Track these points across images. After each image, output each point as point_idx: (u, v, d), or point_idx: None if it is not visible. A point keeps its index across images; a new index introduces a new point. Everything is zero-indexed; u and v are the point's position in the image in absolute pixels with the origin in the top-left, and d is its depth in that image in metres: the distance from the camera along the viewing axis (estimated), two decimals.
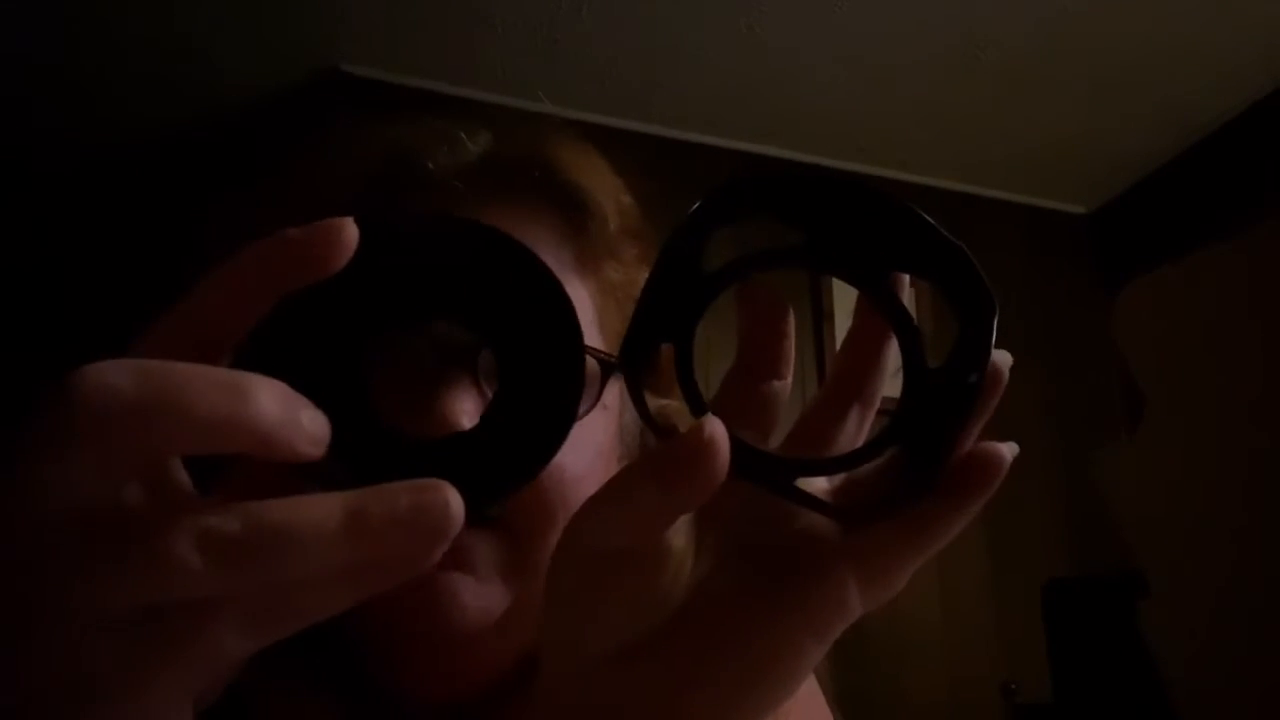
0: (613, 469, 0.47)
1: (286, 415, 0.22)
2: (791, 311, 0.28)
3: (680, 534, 0.26)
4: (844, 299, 2.17)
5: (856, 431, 0.28)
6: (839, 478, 0.28)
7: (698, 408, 0.26)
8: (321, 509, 0.21)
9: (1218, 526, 0.89)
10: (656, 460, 0.24)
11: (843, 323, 2.15)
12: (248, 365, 0.23)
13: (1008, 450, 0.26)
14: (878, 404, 0.29)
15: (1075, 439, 2.22)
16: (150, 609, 0.21)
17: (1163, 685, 0.89)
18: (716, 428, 0.23)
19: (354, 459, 0.24)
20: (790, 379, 0.29)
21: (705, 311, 0.27)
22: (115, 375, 0.20)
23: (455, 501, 0.22)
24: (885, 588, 0.26)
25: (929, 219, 0.27)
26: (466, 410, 0.39)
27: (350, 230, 0.23)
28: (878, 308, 0.28)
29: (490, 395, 0.27)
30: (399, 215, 0.26)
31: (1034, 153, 2.30)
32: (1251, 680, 0.85)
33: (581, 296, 0.48)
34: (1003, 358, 0.27)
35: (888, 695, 1.85)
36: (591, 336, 0.47)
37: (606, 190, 0.51)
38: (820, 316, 2.13)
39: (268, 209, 0.49)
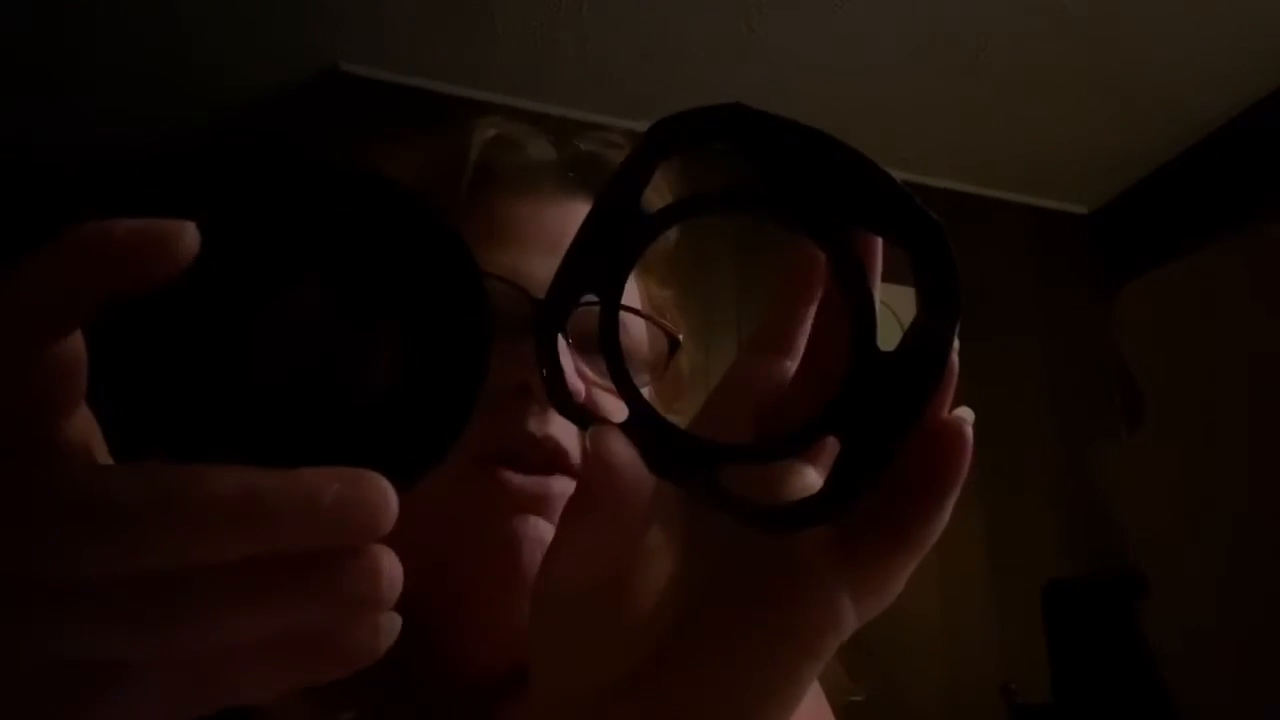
0: None
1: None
2: (817, 291, 0.27)
3: (657, 562, 0.25)
4: None
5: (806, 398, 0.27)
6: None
7: (618, 373, 0.24)
8: (232, 479, 0.19)
9: (1218, 526, 0.89)
10: (576, 492, 0.23)
11: None
12: (111, 342, 0.21)
13: (965, 419, 0.24)
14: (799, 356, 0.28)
15: (1075, 439, 2.22)
16: (68, 665, 0.19)
17: (1163, 685, 0.89)
18: (602, 437, 0.22)
19: (248, 438, 0.21)
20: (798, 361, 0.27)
21: (638, 259, 0.24)
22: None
23: (390, 496, 0.20)
24: (880, 597, 0.25)
25: (903, 187, 0.24)
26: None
27: (188, 237, 0.20)
28: (837, 268, 0.24)
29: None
30: (283, 171, 0.23)
31: (1034, 153, 2.30)
32: (1252, 680, 0.84)
33: (635, 299, 0.50)
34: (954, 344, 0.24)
35: (888, 695, 1.85)
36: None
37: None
38: None
39: None
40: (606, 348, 0.24)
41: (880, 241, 0.25)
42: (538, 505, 0.42)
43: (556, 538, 0.24)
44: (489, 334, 0.23)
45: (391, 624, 0.21)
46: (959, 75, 2.04)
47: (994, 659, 2.01)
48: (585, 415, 0.24)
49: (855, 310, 0.24)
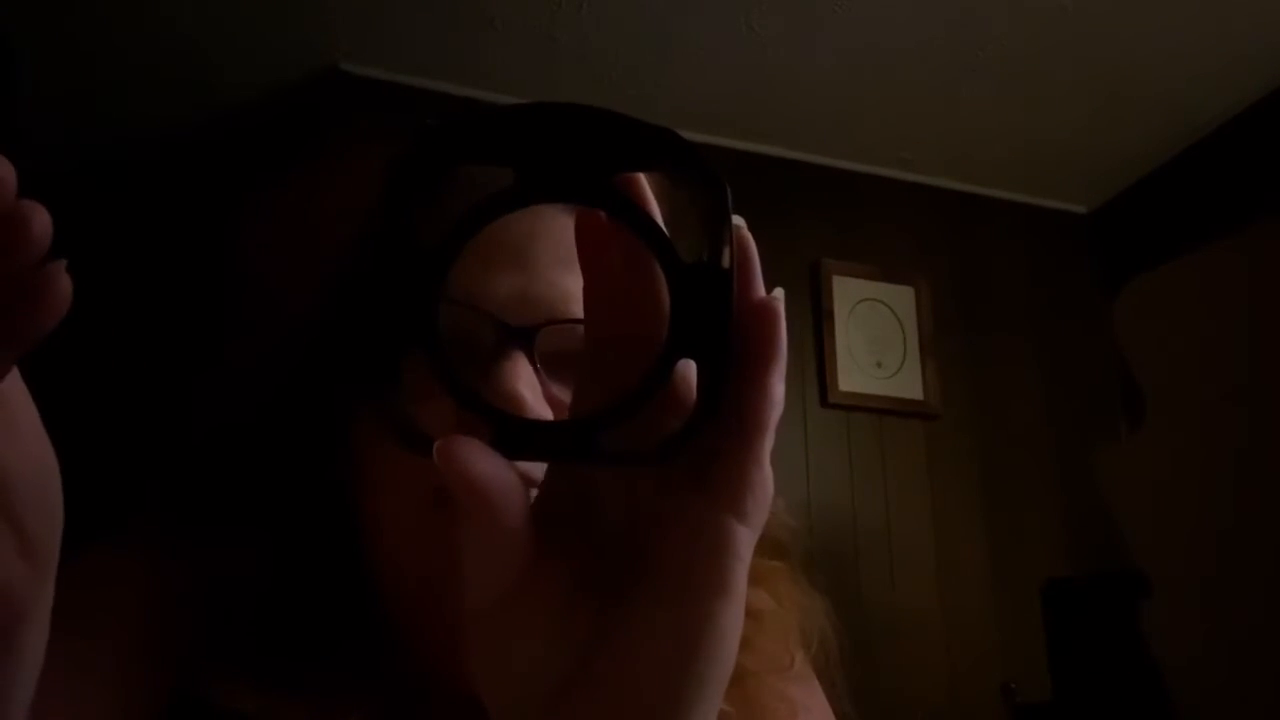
0: None
1: None
2: (602, 246, 0.26)
3: (557, 558, 0.25)
4: (844, 298, 2.17)
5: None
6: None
7: (472, 403, 0.24)
8: None
9: (1218, 526, 0.89)
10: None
11: (843, 321, 2.15)
12: None
13: (776, 296, 0.25)
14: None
15: (1075, 439, 2.22)
16: None
17: (1163, 685, 0.89)
18: (444, 450, 0.22)
19: None
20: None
21: (441, 297, 0.24)
22: None
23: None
24: (755, 498, 0.24)
25: (628, 115, 0.25)
26: None
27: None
28: (618, 218, 0.25)
29: None
30: None
31: (1034, 153, 2.30)
32: (1252, 680, 0.84)
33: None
34: (740, 221, 0.25)
35: (888, 695, 1.86)
36: None
37: None
38: (820, 316, 2.13)
39: (319, 210, 0.49)
40: (452, 387, 0.24)
41: (639, 175, 0.25)
42: None
43: (463, 555, 0.25)
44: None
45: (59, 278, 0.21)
46: (959, 75, 2.04)
47: (994, 659, 2.01)
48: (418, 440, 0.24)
49: (653, 244, 0.24)
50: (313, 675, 0.40)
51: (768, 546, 0.46)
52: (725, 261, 0.24)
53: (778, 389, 0.24)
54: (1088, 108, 2.14)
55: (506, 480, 0.23)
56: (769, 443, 0.24)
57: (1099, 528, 2.02)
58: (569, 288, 0.43)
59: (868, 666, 2.00)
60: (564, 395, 0.41)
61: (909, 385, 2.16)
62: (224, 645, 0.41)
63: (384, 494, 0.42)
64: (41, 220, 0.20)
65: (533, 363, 0.40)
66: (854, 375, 2.13)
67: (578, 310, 0.41)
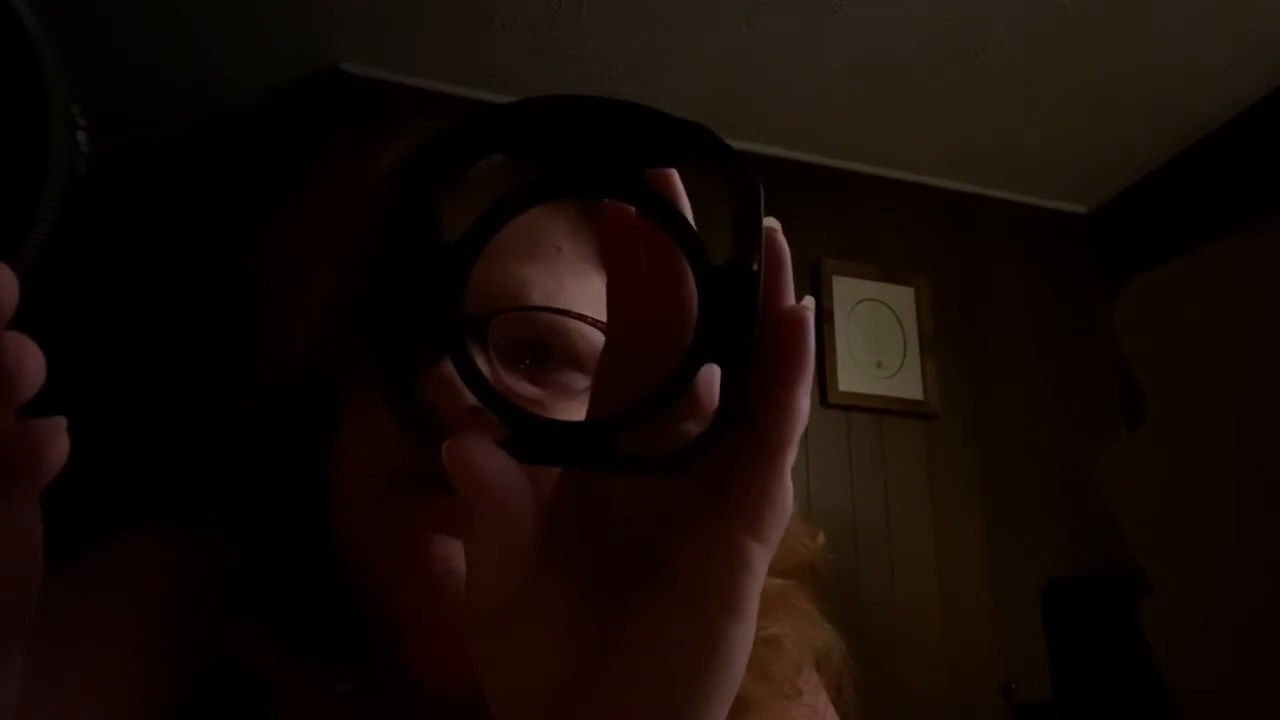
0: None
1: None
2: (632, 243, 0.24)
3: (565, 562, 0.24)
4: (844, 298, 2.17)
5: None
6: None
7: (497, 406, 0.23)
8: None
9: (1218, 526, 0.89)
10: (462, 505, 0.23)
11: (842, 321, 2.15)
12: None
13: (805, 305, 0.24)
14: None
15: (1075, 438, 2.22)
16: None
17: (1163, 685, 0.89)
18: (455, 450, 0.22)
19: None
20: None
21: (465, 293, 0.23)
22: None
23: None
24: (772, 515, 0.23)
25: (659, 110, 0.24)
26: None
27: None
28: (648, 215, 0.24)
29: None
30: None
31: (1034, 153, 2.30)
32: (1252, 680, 0.84)
33: (600, 289, 0.45)
34: (774, 224, 0.24)
35: (888, 694, 1.85)
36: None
37: None
38: (820, 316, 2.13)
39: (316, 216, 0.49)
40: (476, 387, 0.23)
41: (672, 171, 0.24)
42: (439, 522, 0.39)
43: (465, 555, 0.24)
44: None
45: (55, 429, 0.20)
46: (959, 75, 2.04)
47: (994, 659, 2.01)
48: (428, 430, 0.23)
49: (684, 244, 0.23)
50: (310, 648, 0.42)
51: (784, 564, 0.45)
52: (755, 265, 0.23)
53: (803, 401, 0.23)
54: (1088, 108, 2.14)
55: (515, 483, 0.23)
56: (791, 457, 0.24)
57: (1099, 528, 2.02)
58: (529, 277, 0.42)
59: (868, 666, 2.00)
60: (518, 386, 0.40)
61: (909, 385, 2.16)
62: (237, 621, 0.42)
63: (343, 467, 0.42)
64: (32, 371, 0.19)
65: (485, 353, 0.39)
66: (854, 375, 2.13)
67: (538, 299, 0.41)
